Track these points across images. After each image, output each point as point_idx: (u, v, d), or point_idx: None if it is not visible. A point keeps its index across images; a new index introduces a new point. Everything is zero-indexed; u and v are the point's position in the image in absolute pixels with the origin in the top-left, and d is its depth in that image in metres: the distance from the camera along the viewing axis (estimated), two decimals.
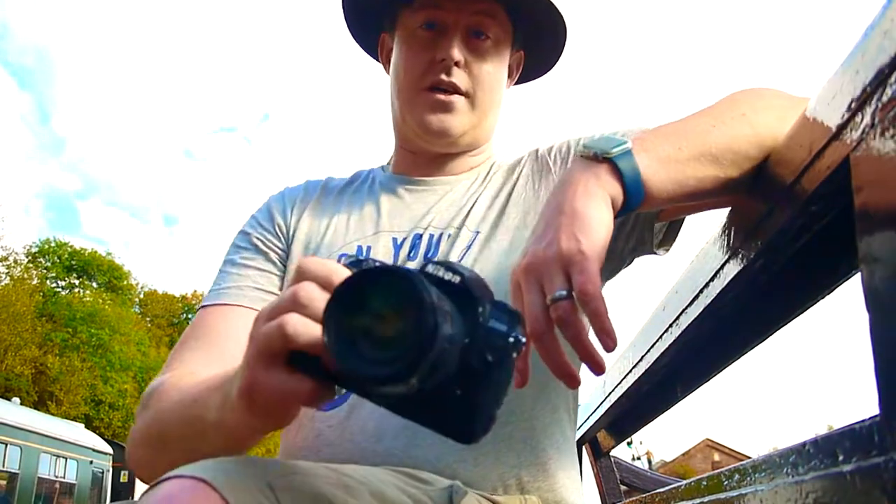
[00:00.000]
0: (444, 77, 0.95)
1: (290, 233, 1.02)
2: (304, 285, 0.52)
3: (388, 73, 1.07)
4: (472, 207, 0.96)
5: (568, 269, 0.58)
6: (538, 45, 1.07)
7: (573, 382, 0.60)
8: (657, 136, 0.68)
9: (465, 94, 0.96)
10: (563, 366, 0.59)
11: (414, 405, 0.49)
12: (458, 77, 0.95)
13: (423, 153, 1.03)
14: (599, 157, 0.64)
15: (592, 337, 0.59)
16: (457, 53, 0.94)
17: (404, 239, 0.95)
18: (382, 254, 0.94)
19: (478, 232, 0.93)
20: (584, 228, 0.59)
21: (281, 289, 0.97)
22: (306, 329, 0.50)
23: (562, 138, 1.04)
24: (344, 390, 0.58)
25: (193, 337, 0.90)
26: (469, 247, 0.91)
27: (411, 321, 0.44)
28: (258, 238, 1.01)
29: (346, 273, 0.51)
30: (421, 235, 0.95)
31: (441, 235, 0.94)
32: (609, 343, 0.57)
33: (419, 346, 0.43)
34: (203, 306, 0.95)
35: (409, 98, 0.98)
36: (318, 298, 0.51)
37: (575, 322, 0.57)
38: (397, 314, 0.45)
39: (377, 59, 1.12)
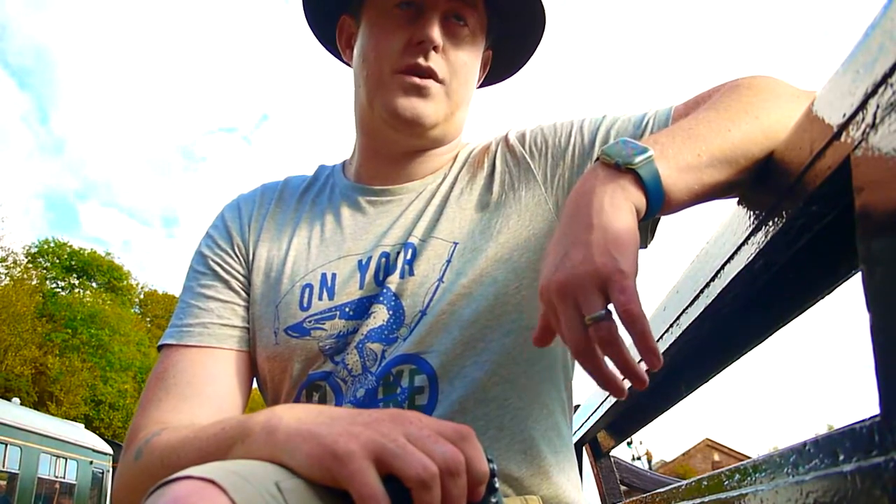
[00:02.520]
0: (421, 61, 0.87)
1: (250, 255, 0.97)
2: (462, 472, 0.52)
3: (345, 60, 1.01)
4: (440, 214, 0.91)
5: (605, 288, 0.57)
6: (506, 47, 1.02)
7: (622, 393, 0.59)
8: (675, 140, 0.66)
9: (441, 82, 0.89)
10: (611, 378, 0.58)
11: None
12: (436, 62, 0.88)
13: (388, 152, 0.96)
14: (622, 166, 0.63)
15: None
16: (437, 36, 0.87)
17: (369, 258, 0.90)
18: (348, 279, 0.90)
19: (456, 243, 0.88)
20: (619, 245, 0.58)
21: (245, 319, 0.94)
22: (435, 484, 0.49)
23: (532, 124, 0.98)
24: None
25: (168, 383, 0.87)
26: (449, 260, 0.87)
27: None
28: (216, 262, 0.97)
29: None
30: (388, 253, 0.90)
31: (410, 249, 0.89)
32: (655, 362, 0.56)
33: None
34: (167, 344, 0.91)
35: (379, 82, 0.90)
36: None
37: (617, 341, 0.57)
38: None
39: (328, 48, 1.04)
